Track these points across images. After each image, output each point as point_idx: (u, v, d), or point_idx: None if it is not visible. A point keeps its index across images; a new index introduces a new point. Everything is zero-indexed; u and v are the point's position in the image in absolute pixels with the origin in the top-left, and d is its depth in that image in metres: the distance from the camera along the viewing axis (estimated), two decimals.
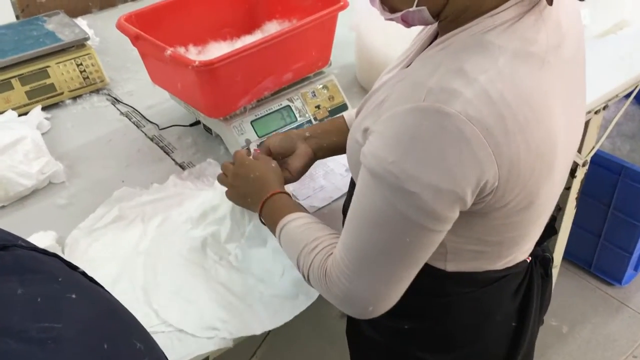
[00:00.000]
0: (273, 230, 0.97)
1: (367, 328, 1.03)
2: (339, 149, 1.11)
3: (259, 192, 1.00)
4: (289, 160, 1.10)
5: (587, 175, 1.82)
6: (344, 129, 1.10)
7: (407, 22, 0.81)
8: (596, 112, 1.58)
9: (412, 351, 0.99)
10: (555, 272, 1.96)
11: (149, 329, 0.95)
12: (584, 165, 1.76)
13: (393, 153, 0.72)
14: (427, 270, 0.86)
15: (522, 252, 0.94)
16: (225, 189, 1.08)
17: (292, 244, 0.92)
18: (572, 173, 1.75)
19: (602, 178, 2.15)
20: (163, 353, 0.53)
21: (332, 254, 0.86)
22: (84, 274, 0.54)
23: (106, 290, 0.55)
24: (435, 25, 0.84)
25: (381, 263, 0.79)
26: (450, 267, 0.89)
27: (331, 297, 0.86)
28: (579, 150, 1.71)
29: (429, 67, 0.74)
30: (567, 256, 2.30)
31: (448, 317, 0.96)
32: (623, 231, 2.20)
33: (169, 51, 1.12)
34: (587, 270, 2.39)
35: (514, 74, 0.72)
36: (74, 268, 0.54)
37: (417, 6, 0.76)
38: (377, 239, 0.78)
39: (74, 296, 0.47)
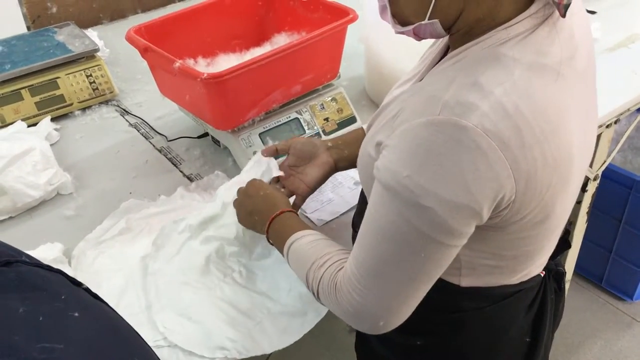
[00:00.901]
0: (280, 249, 0.96)
1: (378, 345, 1.02)
2: None
3: (267, 211, 0.99)
4: (307, 168, 1.09)
5: (598, 189, 1.80)
6: None
7: (419, 36, 0.80)
8: (607, 126, 1.57)
9: None
10: (567, 286, 1.94)
11: (153, 343, 0.95)
12: (595, 179, 1.74)
13: (408, 167, 0.71)
14: (441, 286, 0.85)
15: (537, 267, 0.93)
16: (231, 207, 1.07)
17: (300, 261, 0.91)
18: (584, 187, 1.73)
19: (613, 192, 2.13)
20: None
21: (342, 268, 0.84)
22: (87, 290, 0.54)
23: (109, 307, 0.55)
24: (447, 38, 0.83)
25: (394, 278, 0.78)
26: (465, 282, 0.88)
27: (341, 312, 0.85)
28: (590, 165, 1.70)
29: (443, 81, 0.73)
30: (578, 270, 2.27)
31: (461, 333, 0.94)
32: (635, 246, 2.17)
33: (178, 63, 1.12)
34: (598, 285, 2.36)
35: (529, 87, 0.71)
36: (78, 284, 0.53)
37: (429, 19, 0.75)
38: (391, 254, 0.77)
39: (76, 314, 0.46)
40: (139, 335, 0.54)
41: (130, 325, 0.54)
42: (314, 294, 0.89)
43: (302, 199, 1.08)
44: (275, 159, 1.13)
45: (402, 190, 0.72)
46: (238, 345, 0.96)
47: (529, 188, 0.72)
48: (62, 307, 0.47)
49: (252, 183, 1.05)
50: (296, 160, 1.10)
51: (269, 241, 1.00)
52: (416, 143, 0.71)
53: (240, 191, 1.06)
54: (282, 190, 1.07)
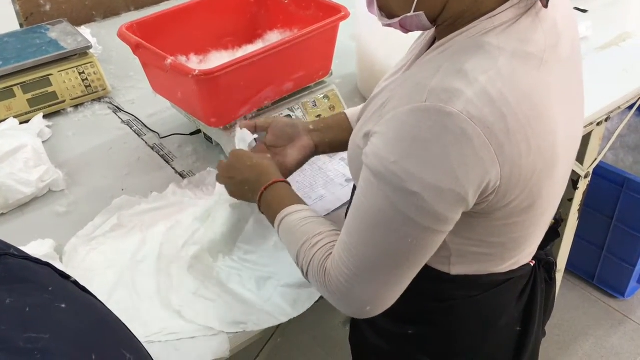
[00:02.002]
0: (272, 220, 0.96)
1: (372, 335, 1.03)
2: (340, 145, 1.10)
3: (257, 180, 0.99)
4: (287, 149, 1.09)
5: (589, 187, 1.81)
6: (346, 126, 1.11)
7: (405, 28, 0.82)
8: (598, 124, 1.58)
9: (418, 357, 0.99)
10: (559, 276, 1.95)
11: (144, 339, 0.95)
12: (586, 177, 1.75)
13: (395, 153, 0.72)
14: (432, 275, 0.86)
15: (525, 255, 0.93)
16: (222, 195, 1.07)
17: (292, 237, 0.91)
18: (575, 185, 1.74)
19: (604, 190, 2.14)
20: None
21: (332, 253, 0.86)
22: (76, 283, 0.54)
23: (98, 300, 0.55)
24: (433, 30, 0.85)
25: (381, 264, 0.79)
26: (455, 270, 0.89)
27: (329, 295, 0.86)
28: (582, 162, 1.71)
29: (429, 70, 0.74)
30: (570, 268, 2.28)
31: (453, 322, 0.95)
32: (626, 243, 2.18)
33: (170, 60, 1.12)
34: (590, 283, 2.37)
35: (513, 74, 0.72)
36: (66, 277, 0.54)
37: (414, 11, 0.77)
38: (378, 239, 0.78)
39: (63, 306, 0.47)
40: (128, 329, 0.55)
41: (118, 319, 0.54)
42: (302, 272, 0.90)
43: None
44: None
45: (389, 176, 0.73)
46: (253, 318, 0.98)
47: (514, 174, 0.74)
48: (50, 298, 0.47)
49: (236, 154, 1.05)
50: (276, 140, 1.09)
51: (260, 210, 1.00)
52: (403, 129, 0.72)
53: (223, 165, 1.05)
54: (268, 156, 1.06)
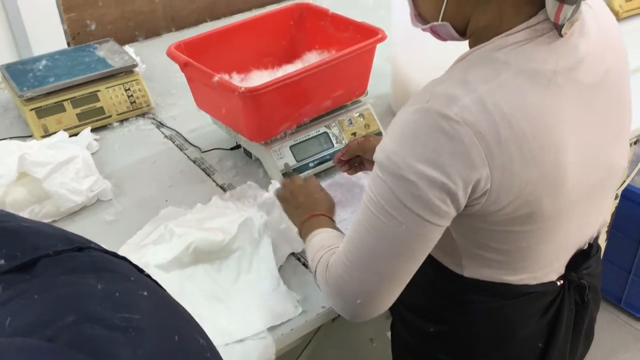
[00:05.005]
0: (305, 236, 1.05)
1: (401, 328, 1.11)
2: None
3: (311, 208, 1.10)
4: (365, 160, 1.22)
5: (618, 209, 1.83)
6: None
7: (438, 35, 0.91)
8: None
9: (438, 355, 1.04)
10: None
11: None
12: (614, 199, 1.77)
13: (397, 145, 0.80)
14: (447, 274, 0.95)
15: (546, 273, 0.96)
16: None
17: (312, 247, 1.00)
18: None
19: (633, 213, 2.15)
20: (219, 353, 0.57)
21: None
22: (149, 276, 0.59)
23: (167, 292, 0.60)
24: None
25: (375, 251, 0.85)
26: (468, 272, 0.95)
27: (326, 287, 0.92)
28: None
29: (442, 78, 0.83)
30: None
31: (470, 324, 1.00)
32: None
33: (217, 77, 1.18)
34: (617, 305, 2.37)
35: (514, 88, 0.79)
36: (141, 271, 0.59)
37: (441, 21, 0.87)
38: (375, 226, 0.84)
39: (145, 293, 0.52)
40: (195, 319, 0.59)
41: (185, 309, 0.59)
42: (313, 275, 0.98)
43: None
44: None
45: (390, 165, 0.81)
46: (276, 310, 1.05)
47: (505, 179, 0.79)
48: (132, 286, 0.52)
49: (314, 181, 1.18)
50: (357, 152, 1.23)
51: (299, 233, 1.09)
52: (406, 126, 0.81)
53: (294, 186, 1.17)
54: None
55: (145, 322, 0.46)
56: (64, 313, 0.45)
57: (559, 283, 0.99)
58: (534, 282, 0.96)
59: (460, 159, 0.77)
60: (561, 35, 0.80)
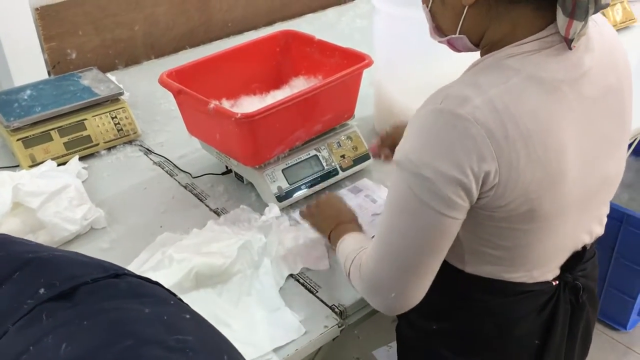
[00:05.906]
0: (335, 242, 1.12)
1: (406, 327, 1.15)
2: None
3: (336, 217, 1.19)
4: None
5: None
6: None
7: (454, 47, 0.98)
8: None
9: (441, 351, 1.08)
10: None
11: None
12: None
13: (413, 144, 0.86)
14: (449, 271, 0.99)
15: (543, 272, 1.01)
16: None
17: (343, 250, 1.07)
18: None
19: (606, 224, 2.22)
20: None
21: None
22: (181, 300, 0.61)
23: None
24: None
25: (400, 247, 0.91)
26: (469, 268, 1.00)
27: (360, 284, 0.98)
28: None
29: (454, 82, 0.89)
30: None
31: (470, 321, 1.05)
32: (627, 277, 2.26)
33: (212, 104, 1.20)
34: None
35: (522, 92, 0.85)
36: (174, 295, 0.60)
37: (459, 34, 0.93)
38: (398, 223, 0.90)
39: (188, 316, 0.53)
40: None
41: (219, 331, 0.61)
42: (347, 275, 1.03)
43: None
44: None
45: (407, 164, 0.86)
46: (279, 331, 1.07)
47: (512, 175, 0.85)
48: (176, 310, 0.53)
49: (339, 197, 1.25)
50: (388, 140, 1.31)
51: (329, 241, 1.17)
52: (422, 125, 0.87)
53: (320, 201, 1.26)
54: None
55: (197, 343, 0.48)
56: (119, 337, 0.46)
57: (554, 283, 1.03)
58: (530, 281, 1.00)
59: (473, 155, 0.83)
60: (570, 49, 0.86)
